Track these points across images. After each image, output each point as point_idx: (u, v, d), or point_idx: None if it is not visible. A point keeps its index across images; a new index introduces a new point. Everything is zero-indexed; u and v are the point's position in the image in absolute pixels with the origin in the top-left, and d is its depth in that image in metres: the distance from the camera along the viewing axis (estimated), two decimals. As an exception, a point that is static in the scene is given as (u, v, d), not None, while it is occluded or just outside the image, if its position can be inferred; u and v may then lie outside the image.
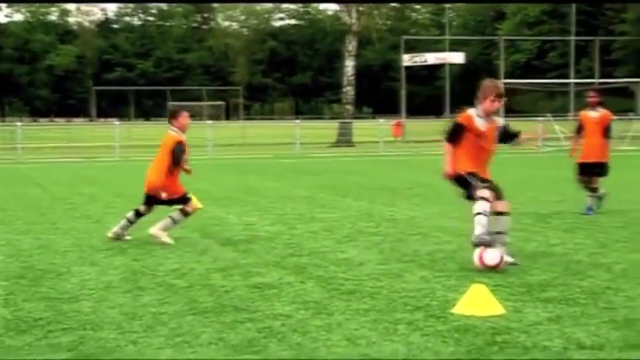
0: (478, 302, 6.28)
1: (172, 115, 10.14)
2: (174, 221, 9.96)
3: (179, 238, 10.00)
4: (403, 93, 52.48)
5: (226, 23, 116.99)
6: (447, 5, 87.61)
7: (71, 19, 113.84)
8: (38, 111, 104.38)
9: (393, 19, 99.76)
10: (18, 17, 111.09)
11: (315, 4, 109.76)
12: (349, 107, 44.15)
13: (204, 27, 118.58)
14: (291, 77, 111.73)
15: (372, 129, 42.36)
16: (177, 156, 9.87)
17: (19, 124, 41.04)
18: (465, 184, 8.31)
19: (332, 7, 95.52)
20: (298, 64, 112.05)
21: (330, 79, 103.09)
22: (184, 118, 10.05)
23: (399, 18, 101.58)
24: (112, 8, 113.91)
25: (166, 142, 9.99)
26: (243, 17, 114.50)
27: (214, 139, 33.92)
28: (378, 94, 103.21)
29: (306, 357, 5.31)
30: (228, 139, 38.58)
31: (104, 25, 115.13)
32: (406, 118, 48.80)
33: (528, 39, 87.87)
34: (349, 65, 43.91)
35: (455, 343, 5.54)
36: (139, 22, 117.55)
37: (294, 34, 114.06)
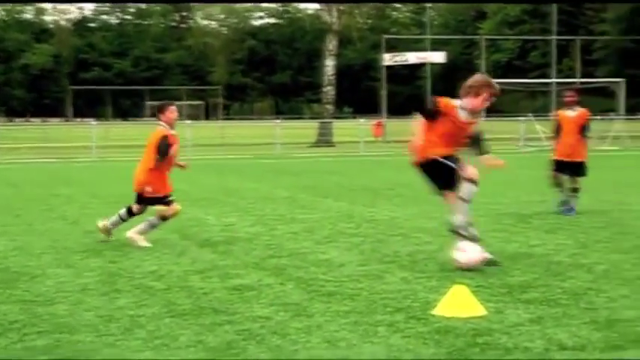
0: (459, 303, 6.25)
1: (159, 110, 10.02)
2: (152, 225, 9.85)
3: (157, 240, 9.90)
4: (384, 93, 52.53)
5: (205, 22, 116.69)
6: (428, 5, 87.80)
7: (47, 18, 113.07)
8: (13, 111, 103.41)
9: (374, 18, 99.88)
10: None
11: (295, 4, 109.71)
12: (329, 107, 44.14)
13: (183, 26, 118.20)
14: (271, 77, 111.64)
15: (353, 129, 42.33)
16: (161, 150, 9.74)
17: (-6, 124, 40.73)
18: (441, 169, 8.15)
19: (312, 6, 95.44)
20: (278, 63, 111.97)
21: (310, 78, 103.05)
22: (171, 112, 9.94)
23: (380, 17, 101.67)
24: (88, 7, 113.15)
25: (153, 137, 9.87)
26: (222, 16, 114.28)
27: (193, 139, 33.75)
28: (359, 94, 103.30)
29: (286, 359, 5.25)
30: (207, 140, 38.41)
31: (81, 24, 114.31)
32: (387, 117, 48.80)
33: (509, 38, 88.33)
34: (329, 64, 43.89)
35: (436, 344, 5.51)
36: (117, 21, 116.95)
37: (273, 33, 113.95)
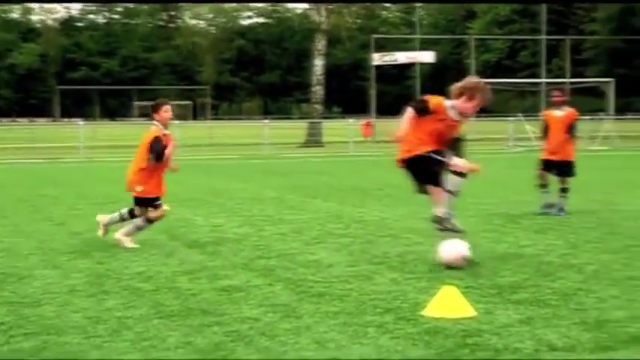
0: (449, 304, 6.23)
1: (154, 109, 9.92)
2: (138, 228, 9.77)
3: (145, 241, 9.84)
4: (373, 92, 52.55)
5: (193, 21, 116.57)
6: (418, 4, 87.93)
7: (34, 17, 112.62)
8: (0, 111, 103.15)
9: (363, 18, 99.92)
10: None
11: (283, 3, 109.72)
12: (318, 107, 44.10)
13: (171, 25, 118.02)
14: (260, 76, 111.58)
15: (342, 129, 42.33)
16: (156, 152, 9.64)
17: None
18: (428, 163, 8.13)
19: (301, 6, 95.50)
20: (266, 63, 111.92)
21: (298, 78, 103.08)
22: (166, 111, 9.84)
23: (369, 16, 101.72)
24: (76, 6, 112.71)
25: (146, 137, 9.77)
26: (210, 15, 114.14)
27: (181, 140, 33.55)
28: (348, 94, 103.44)
29: (275, 362, 5.23)
30: (195, 140, 38.31)
31: (68, 23, 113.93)
32: (376, 117, 48.81)
33: (499, 38, 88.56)
34: (318, 64, 43.85)
35: (425, 345, 5.49)
36: (104, 20, 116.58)
37: (262, 33, 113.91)
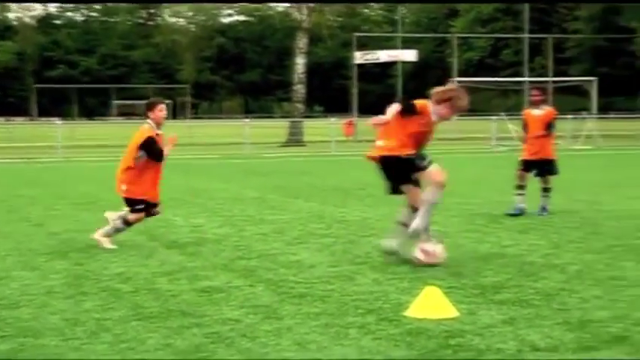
0: (431, 305, 6.21)
1: (148, 107, 9.80)
2: (116, 229, 9.65)
3: (124, 242, 9.74)
4: (355, 91, 52.56)
5: (173, 19, 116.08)
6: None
7: (11, 15, 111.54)
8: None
9: (345, 16, 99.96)
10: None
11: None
12: (300, 106, 44.01)
13: (150, 23, 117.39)
14: (240, 75, 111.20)
15: (324, 128, 42.27)
16: (151, 151, 9.52)
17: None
18: (405, 164, 8.19)
19: (282, 4, 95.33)
20: (247, 61, 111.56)
21: (280, 76, 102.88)
22: (160, 110, 9.72)
23: (351, 15, 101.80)
24: (53, 3, 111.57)
25: (137, 136, 9.63)
26: (190, 13, 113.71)
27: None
28: (330, 93, 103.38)
29: (256, 364, 5.18)
30: (176, 139, 38.05)
31: (45, 21, 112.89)
32: (358, 116, 48.78)
33: (482, 37, 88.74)
34: (300, 63, 43.76)
35: (407, 346, 5.47)
36: (82, 18, 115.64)
37: (242, 31, 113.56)
